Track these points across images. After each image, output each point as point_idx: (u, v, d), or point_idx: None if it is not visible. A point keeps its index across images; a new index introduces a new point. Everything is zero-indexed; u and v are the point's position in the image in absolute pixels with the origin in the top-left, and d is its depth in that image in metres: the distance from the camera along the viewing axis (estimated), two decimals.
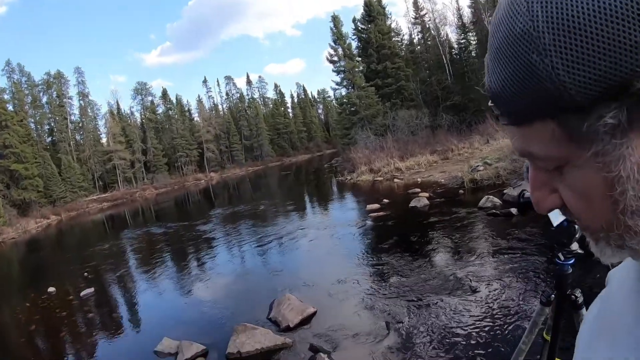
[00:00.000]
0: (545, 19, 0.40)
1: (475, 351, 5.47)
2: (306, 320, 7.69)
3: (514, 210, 10.54)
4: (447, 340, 5.90)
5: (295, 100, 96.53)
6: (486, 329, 5.94)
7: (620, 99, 0.39)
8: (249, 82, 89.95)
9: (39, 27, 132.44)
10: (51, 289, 13.58)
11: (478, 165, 16.73)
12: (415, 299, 7.43)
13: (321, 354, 6.11)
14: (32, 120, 60.55)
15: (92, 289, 12.92)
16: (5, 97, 54.49)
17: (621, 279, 0.63)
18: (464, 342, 5.76)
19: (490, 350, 5.44)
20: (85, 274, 15.30)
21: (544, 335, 1.90)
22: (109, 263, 17.06)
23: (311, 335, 7.05)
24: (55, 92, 64.40)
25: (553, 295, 1.78)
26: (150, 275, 14.00)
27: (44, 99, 63.95)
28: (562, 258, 1.62)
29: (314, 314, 7.90)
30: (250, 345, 6.89)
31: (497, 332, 5.80)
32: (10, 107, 53.45)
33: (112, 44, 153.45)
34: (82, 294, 12.63)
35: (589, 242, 0.53)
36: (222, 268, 12.92)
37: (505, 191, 12.63)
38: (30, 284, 15.70)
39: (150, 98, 76.56)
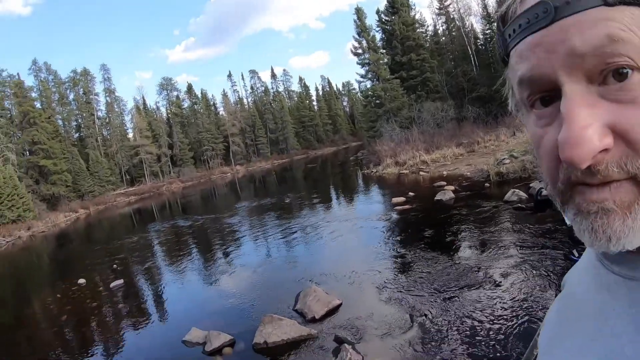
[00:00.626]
0: None
1: (493, 345, 5.51)
2: (331, 312, 7.81)
3: None
4: (467, 334, 5.94)
5: (320, 93, 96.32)
6: (504, 322, 5.95)
7: None
8: (273, 76, 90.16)
9: (64, 26, 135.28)
10: (81, 281, 14.00)
11: (504, 158, 16.56)
12: (439, 292, 7.48)
13: (346, 345, 6.19)
14: (60, 117, 62.03)
15: (121, 281, 13.28)
16: (33, 95, 56.24)
17: (578, 280, 0.66)
18: (483, 336, 5.79)
19: (507, 344, 5.47)
20: (115, 265, 15.70)
21: None
22: (137, 255, 17.47)
23: (336, 327, 7.16)
24: (81, 89, 65.87)
25: None
26: (177, 267, 14.28)
27: (71, 96, 65.38)
28: (576, 255, 1.67)
29: (339, 305, 8.02)
30: (277, 336, 7.04)
31: (515, 325, 5.82)
32: (38, 105, 55.09)
33: (136, 41, 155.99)
34: (111, 285, 13.00)
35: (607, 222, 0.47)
36: (248, 260, 13.13)
37: (531, 185, 12.41)
38: (60, 275, 16.20)
39: (175, 93, 77.61)
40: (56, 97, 62.30)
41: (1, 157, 43.53)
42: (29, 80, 69.21)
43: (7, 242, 31.78)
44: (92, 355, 8.51)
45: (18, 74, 55.20)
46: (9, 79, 53.76)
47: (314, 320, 7.60)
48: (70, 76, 65.19)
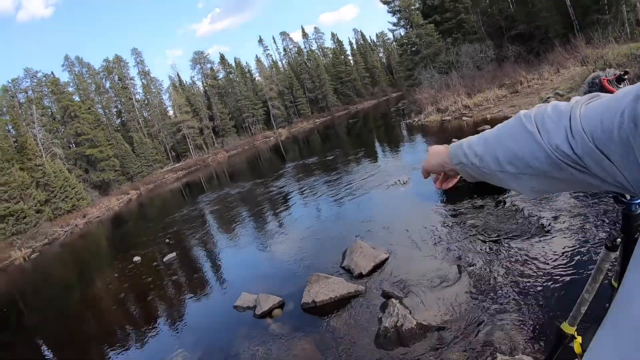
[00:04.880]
0: None
1: (541, 299, 5.33)
2: (378, 267, 7.78)
3: None
4: (516, 287, 5.77)
5: (355, 46, 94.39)
6: (554, 274, 5.79)
7: None
8: (304, 35, 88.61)
9: (88, 19, 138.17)
10: (136, 258, 14.62)
11: (549, 97, 15.81)
12: (487, 242, 7.28)
13: (393, 300, 6.17)
14: (100, 106, 63.85)
15: (174, 254, 13.73)
16: (70, 89, 57.77)
17: None
18: (530, 289, 5.60)
19: (553, 298, 5.29)
20: (167, 240, 16.25)
21: (612, 282, 1.71)
22: (188, 228, 17.93)
23: (383, 282, 7.13)
24: (116, 76, 67.14)
25: (619, 239, 1.57)
26: (227, 235, 14.59)
27: (107, 84, 66.67)
28: (628, 197, 1.48)
29: (386, 260, 7.98)
30: (324, 294, 7.10)
31: (560, 279, 5.67)
32: (76, 98, 56.68)
33: (163, 21, 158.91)
34: (165, 259, 13.47)
35: None
36: (294, 221, 13.21)
37: None
38: (117, 256, 16.87)
39: (209, 65, 77.48)
40: (93, 88, 63.72)
41: (49, 153, 45.22)
42: (63, 77, 71.39)
43: (65, 231, 33.40)
44: (148, 329, 8.84)
45: (52, 72, 56.92)
46: (44, 78, 55.52)
47: (361, 276, 7.61)
48: (104, 65, 66.37)
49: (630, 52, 16.29)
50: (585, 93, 1.13)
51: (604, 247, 1.68)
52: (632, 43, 19.18)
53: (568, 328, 1.92)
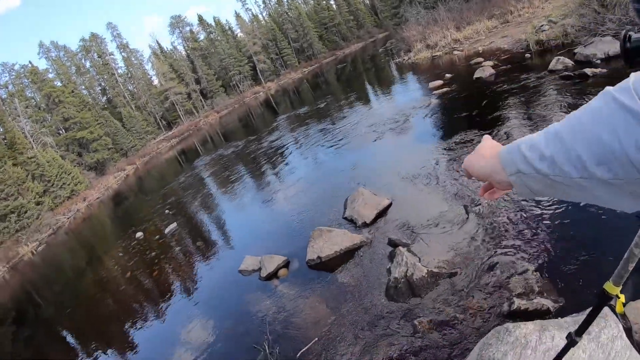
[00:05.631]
0: None
1: (557, 237, 5.07)
2: (382, 214, 7.58)
3: (589, 71, 9.55)
4: (523, 223, 5.52)
5: None
6: (565, 212, 5.56)
7: None
8: None
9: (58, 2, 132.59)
10: (139, 234, 14.58)
11: (542, 25, 15.16)
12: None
13: (400, 248, 5.97)
14: (83, 87, 62.61)
15: (174, 224, 13.65)
16: (50, 76, 56.42)
17: None
18: (544, 226, 5.36)
19: (570, 236, 5.04)
20: (167, 211, 16.19)
21: None
22: (186, 195, 17.84)
23: (389, 229, 6.94)
24: (95, 54, 65.60)
25: None
26: (225, 198, 14.46)
27: (87, 64, 65.17)
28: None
29: (389, 205, 7.77)
30: (329, 249, 6.91)
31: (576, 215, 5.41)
32: (58, 84, 55.38)
33: None
34: (166, 231, 13.41)
35: None
36: (292, 175, 12.99)
37: (576, 50, 11.26)
38: (120, 235, 16.78)
39: (188, 28, 75.39)
40: (73, 70, 62.31)
41: (39, 143, 44.64)
42: (41, 64, 69.54)
43: (68, 218, 33.09)
44: (158, 305, 8.84)
45: (30, 62, 55.44)
46: (22, 70, 54.14)
47: (365, 226, 7.41)
48: (81, 45, 64.81)
49: None
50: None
51: None
52: None
53: (612, 288, 1.66)
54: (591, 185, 0.62)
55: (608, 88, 0.59)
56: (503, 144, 0.87)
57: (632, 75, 0.57)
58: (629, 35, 1.02)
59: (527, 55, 14.21)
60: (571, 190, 0.67)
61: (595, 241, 4.63)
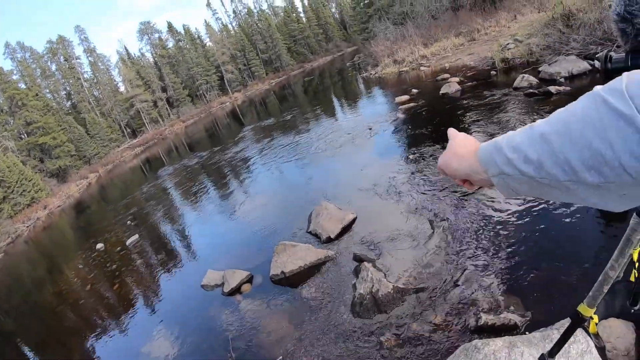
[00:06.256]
0: None
1: (522, 252, 5.10)
2: (347, 228, 7.50)
3: (553, 89, 9.76)
4: (490, 239, 5.52)
5: (306, 3, 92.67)
6: (528, 225, 5.60)
7: None
8: None
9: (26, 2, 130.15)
10: (99, 246, 14.11)
11: (508, 44, 15.51)
12: (459, 192, 7.01)
13: (365, 263, 5.90)
14: (47, 91, 60.72)
15: (136, 236, 13.28)
16: (14, 77, 54.59)
17: None
18: (510, 242, 5.39)
19: (535, 248, 5.08)
20: (129, 222, 15.75)
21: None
22: (149, 205, 17.44)
23: (354, 244, 6.87)
24: (62, 57, 63.81)
25: None
26: (188, 209, 14.18)
27: (53, 67, 63.40)
28: None
29: (354, 220, 7.69)
30: (293, 264, 6.79)
31: (543, 229, 5.46)
32: (22, 86, 53.68)
33: None
34: (127, 242, 13.01)
35: None
36: (256, 189, 12.83)
37: (540, 68, 11.54)
38: (80, 246, 16.24)
39: (157, 35, 74.58)
40: (38, 73, 60.50)
41: (0, 147, 43.16)
42: (6, 65, 67.56)
43: (27, 226, 31.96)
44: (117, 319, 8.53)
45: None
46: None
47: (329, 240, 7.31)
48: (47, 47, 62.98)
49: None
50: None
51: (635, 214, 1.36)
52: None
53: (586, 310, 1.62)
54: (579, 187, 0.59)
55: (597, 88, 0.55)
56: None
57: (625, 75, 0.54)
58: (610, 55, 0.96)
59: (493, 72, 14.47)
60: (556, 192, 0.64)
61: (562, 254, 4.66)
